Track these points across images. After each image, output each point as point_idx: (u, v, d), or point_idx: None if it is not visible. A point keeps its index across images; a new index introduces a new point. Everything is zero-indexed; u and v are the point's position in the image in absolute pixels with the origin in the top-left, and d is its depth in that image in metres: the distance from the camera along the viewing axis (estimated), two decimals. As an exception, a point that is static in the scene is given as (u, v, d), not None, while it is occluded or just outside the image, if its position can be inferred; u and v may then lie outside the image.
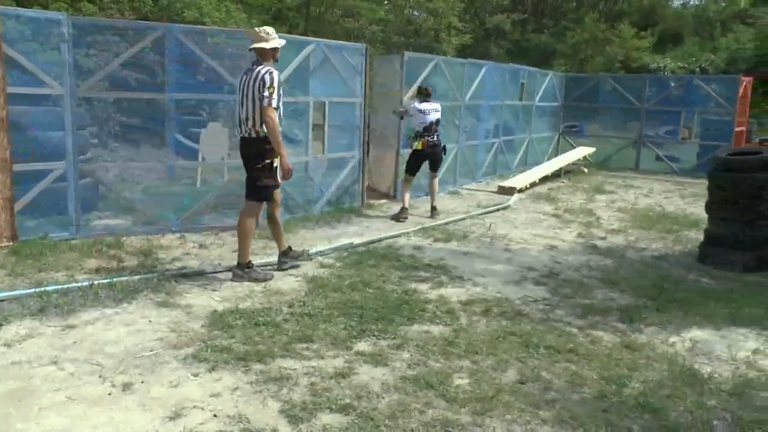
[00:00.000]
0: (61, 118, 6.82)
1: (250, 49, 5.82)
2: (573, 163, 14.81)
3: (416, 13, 23.12)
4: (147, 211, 7.72)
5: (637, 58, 29.40)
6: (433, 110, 9.07)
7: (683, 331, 5.17)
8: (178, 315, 4.99)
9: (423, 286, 5.94)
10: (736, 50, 29.09)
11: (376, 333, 4.74)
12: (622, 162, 16.45)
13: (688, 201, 11.54)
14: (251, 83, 5.65)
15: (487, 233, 8.33)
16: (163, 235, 7.35)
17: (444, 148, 9.35)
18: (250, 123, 5.70)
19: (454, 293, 5.79)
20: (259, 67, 5.68)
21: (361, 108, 9.48)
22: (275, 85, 5.62)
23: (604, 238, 8.33)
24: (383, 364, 4.23)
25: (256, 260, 6.26)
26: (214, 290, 5.64)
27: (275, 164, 5.86)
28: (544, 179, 12.91)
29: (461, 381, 4.03)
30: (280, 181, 6.03)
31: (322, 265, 6.50)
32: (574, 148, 16.25)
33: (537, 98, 15.03)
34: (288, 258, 6.38)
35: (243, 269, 5.94)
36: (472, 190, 11.78)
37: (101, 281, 5.52)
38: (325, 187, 9.17)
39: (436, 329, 4.91)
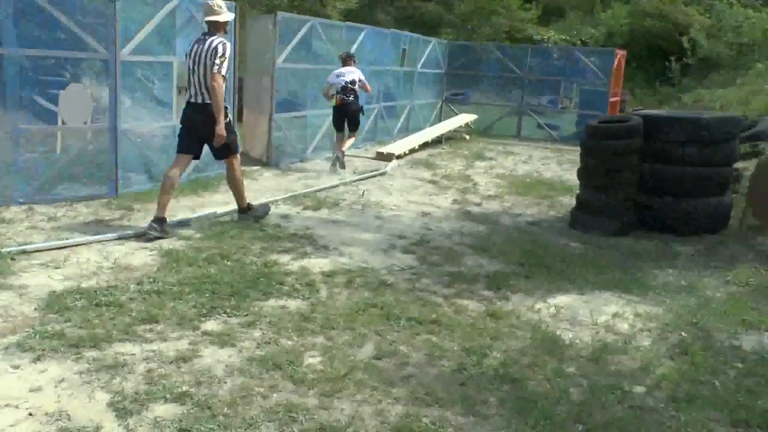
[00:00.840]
0: None
1: (205, 22, 6.26)
2: (455, 130, 14.81)
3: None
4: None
5: (522, 30, 29.81)
6: (348, 73, 9.94)
7: (549, 297, 5.12)
8: (9, 297, 4.45)
9: (285, 257, 5.63)
10: (614, 26, 30.08)
11: (228, 310, 4.39)
12: (504, 129, 16.66)
13: (565, 167, 11.73)
14: (204, 52, 6.01)
15: (360, 200, 8.10)
16: (8, 208, 6.66)
17: (361, 108, 10.20)
18: (203, 89, 6.08)
19: (317, 264, 5.52)
20: (212, 38, 6.07)
21: (231, 70, 8.97)
22: (227, 55, 6.05)
23: (479, 204, 8.28)
24: (230, 344, 3.90)
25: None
26: (57, 268, 5.10)
27: (229, 118, 6.34)
28: (425, 145, 12.81)
29: (313, 360, 3.77)
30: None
31: (181, 237, 6.05)
32: (457, 115, 16.28)
33: (419, 65, 14.87)
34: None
35: (246, 212, 6.69)
36: (350, 156, 11.46)
37: None
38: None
39: (293, 304, 4.61)
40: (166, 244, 5.79)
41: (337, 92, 9.85)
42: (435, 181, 9.65)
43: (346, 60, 10.14)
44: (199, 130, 6.24)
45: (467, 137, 14.98)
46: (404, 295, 4.91)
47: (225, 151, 6.41)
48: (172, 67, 8.08)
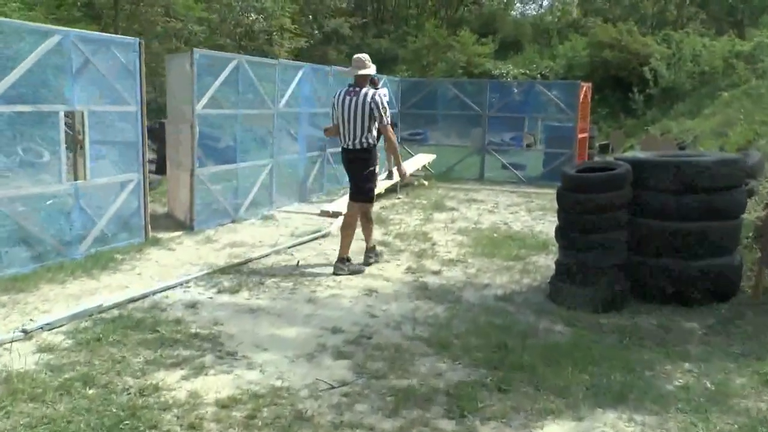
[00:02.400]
0: None
1: (356, 76, 6.69)
2: (412, 174, 13.42)
3: (245, 13, 21.03)
4: None
5: (479, 64, 28.91)
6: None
7: (534, 425, 3.66)
8: None
9: (173, 376, 4.10)
10: (573, 58, 29.42)
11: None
12: (465, 172, 15.33)
13: (535, 216, 10.36)
14: (359, 103, 6.56)
15: (293, 274, 6.57)
16: None
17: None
18: (357, 137, 6.66)
19: (214, 386, 3.98)
20: (365, 90, 6.63)
21: (138, 118, 7.50)
22: (386, 105, 6.71)
23: (438, 273, 6.81)
24: None
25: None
26: None
27: (376, 170, 7.03)
28: (378, 195, 11.35)
29: None
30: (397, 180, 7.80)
31: (42, 347, 4.51)
32: (413, 156, 14.95)
33: (370, 105, 13.51)
34: (372, 254, 7.16)
35: (344, 263, 6.78)
36: (291, 213, 9.98)
37: None
38: (90, 222, 7.10)
39: (159, 469, 3.09)
40: (14, 361, 4.22)
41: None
42: (386, 242, 8.14)
43: (375, 84, 10.92)
44: (349, 171, 6.93)
45: (425, 183, 13.58)
46: (326, 440, 3.41)
47: (361, 194, 6.91)
48: (58, 117, 6.58)
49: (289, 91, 10.30)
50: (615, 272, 5.76)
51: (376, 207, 10.54)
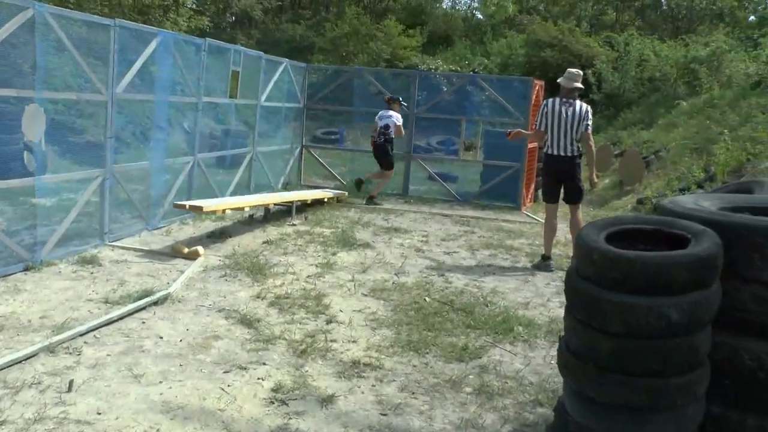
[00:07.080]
0: None
1: (572, 89, 7.15)
2: (318, 186, 10.37)
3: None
4: None
5: (405, 58, 26.14)
6: (385, 117, 10.74)
7: None
8: None
9: None
10: (509, 56, 27.02)
11: None
12: (386, 184, 12.33)
13: (481, 259, 7.41)
14: (575, 114, 7.07)
15: (46, 417, 3.33)
16: None
17: (387, 147, 10.83)
18: (572, 143, 7.10)
19: None
20: (577, 102, 7.18)
21: None
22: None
23: (328, 402, 3.70)
24: None
25: None
26: None
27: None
28: (266, 219, 8.21)
29: None
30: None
31: None
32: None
33: (264, 96, 10.28)
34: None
35: (549, 260, 7.28)
36: (129, 249, 6.67)
37: None
38: None
39: None
40: None
41: (372, 134, 10.85)
42: (253, 318, 4.91)
43: (390, 103, 10.92)
44: (561, 179, 7.26)
45: (334, 198, 10.47)
46: None
47: (580, 197, 7.33)
48: None
49: (135, 69, 7.00)
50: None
51: (257, 243, 7.39)
